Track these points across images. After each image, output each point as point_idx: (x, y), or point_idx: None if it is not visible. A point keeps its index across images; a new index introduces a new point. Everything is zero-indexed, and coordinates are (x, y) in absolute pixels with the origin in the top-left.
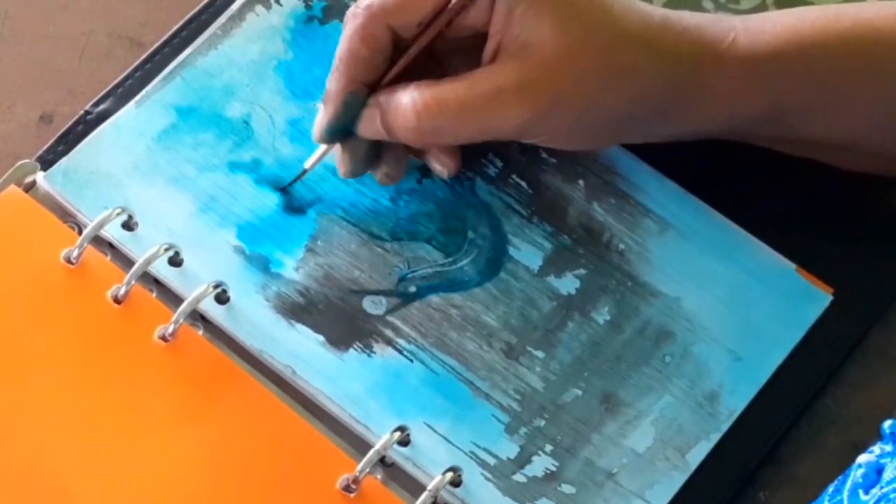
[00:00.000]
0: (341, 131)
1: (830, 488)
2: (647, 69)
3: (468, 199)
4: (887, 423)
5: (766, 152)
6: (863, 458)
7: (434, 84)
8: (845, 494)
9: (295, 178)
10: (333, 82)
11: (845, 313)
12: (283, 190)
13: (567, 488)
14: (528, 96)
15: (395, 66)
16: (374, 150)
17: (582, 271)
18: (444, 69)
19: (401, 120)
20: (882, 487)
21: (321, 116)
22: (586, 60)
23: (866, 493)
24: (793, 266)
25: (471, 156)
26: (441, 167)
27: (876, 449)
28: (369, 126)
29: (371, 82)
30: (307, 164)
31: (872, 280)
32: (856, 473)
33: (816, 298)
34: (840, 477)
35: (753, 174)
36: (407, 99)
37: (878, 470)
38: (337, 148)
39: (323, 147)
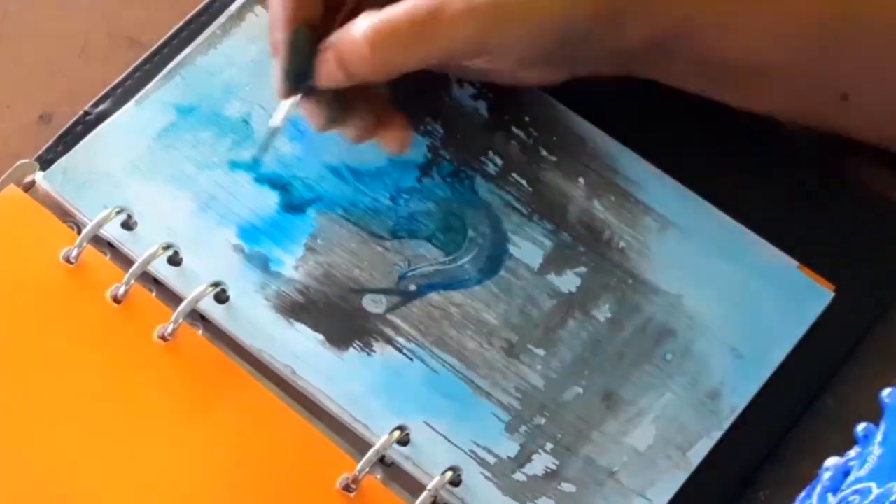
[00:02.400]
0: (299, 78)
1: (802, 493)
2: None
3: (468, 198)
4: (860, 427)
5: (768, 150)
6: (831, 462)
7: (380, 11)
8: (815, 499)
9: (265, 140)
10: (274, 31)
11: (846, 312)
12: (257, 159)
13: (567, 487)
14: (474, 5)
15: (342, 11)
16: (341, 102)
17: (582, 269)
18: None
19: (356, 53)
20: (844, 489)
21: (275, 69)
22: None
23: (834, 495)
24: (794, 263)
25: (471, 153)
26: (391, 142)
27: (851, 452)
28: (325, 70)
29: (312, 22)
30: (275, 122)
31: (873, 279)
32: (823, 477)
33: (818, 295)
34: (811, 482)
35: (754, 172)
36: (358, 30)
37: (846, 472)
38: (304, 102)
39: (287, 102)
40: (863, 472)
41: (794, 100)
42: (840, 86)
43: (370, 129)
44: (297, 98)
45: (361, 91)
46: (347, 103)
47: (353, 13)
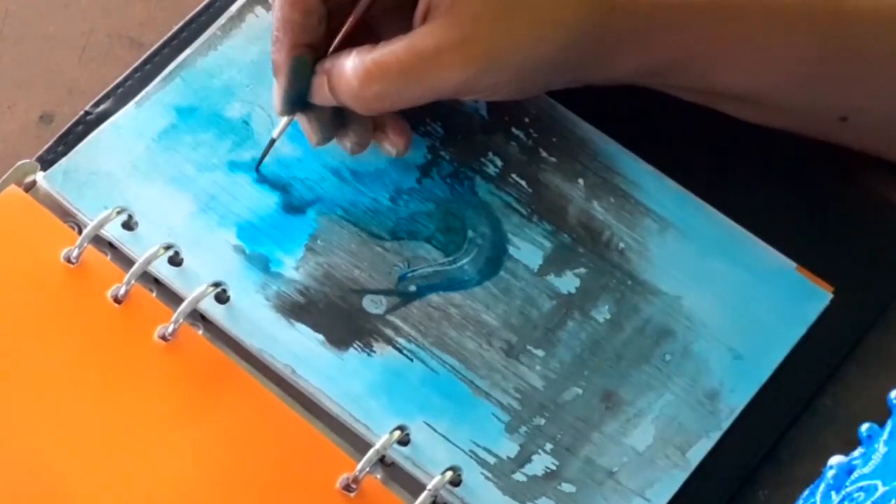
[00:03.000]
0: (298, 99)
1: (805, 491)
2: (571, 17)
3: (468, 198)
4: (864, 427)
5: (766, 151)
6: (835, 460)
7: (373, 49)
8: (818, 497)
9: (264, 151)
10: (277, 52)
11: (845, 313)
12: (257, 169)
13: (567, 487)
14: (464, 53)
15: (339, 34)
16: (339, 116)
17: (582, 270)
18: (378, 35)
19: (345, 86)
20: (847, 486)
21: (276, 88)
22: (516, 12)
23: (838, 493)
24: (793, 264)
25: (471, 154)
26: (391, 147)
27: (856, 452)
28: (320, 94)
29: (314, 45)
30: (274, 134)
31: (872, 280)
32: (827, 475)
33: (817, 296)
34: (816, 480)
35: (754, 173)
36: (349, 66)
37: (849, 471)
38: (302, 118)
39: (285, 118)
40: (867, 470)
41: (791, 121)
42: (838, 110)
43: (367, 139)
44: (293, 117)
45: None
46: (346, 116)
47: (354, 28)
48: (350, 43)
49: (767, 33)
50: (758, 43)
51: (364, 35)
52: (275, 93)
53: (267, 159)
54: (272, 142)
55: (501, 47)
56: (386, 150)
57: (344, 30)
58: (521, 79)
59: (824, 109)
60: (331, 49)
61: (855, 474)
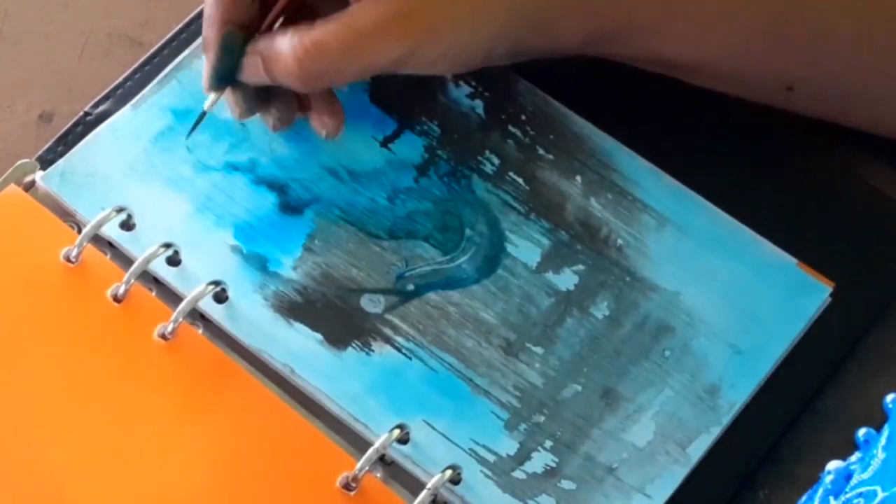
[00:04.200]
0: (227, 77)
1: (804, 496)
2: None
3: (465, 197)
4: (861, 432)
5: (766, 147)
6: (832, 465)
7: (311, 28)
8: (817, 501)
9: (195, 123)
10: (207, 28)
11: (846, 311)
12: (187, 138)
13: (567, 484)
14: (404, 27)
15: (270, 13)
16: (264, 91)
17: (580, 267)
18: (314, 11)
19: (282, 67)
20: (847, 492)
21: (205, 64)
22: None
23: (836, 498)
24: (792, 259)
25: (468, 153)
26: (321, 127)
27: (853, 457)
28: (252, 73)
29: (245, 24)
30: (206, 107)
31: (873, 278)
32: (825, 480)
33: (816, 291)
34: (813, 485)
35: (753, 170)
36: (286, 46)
37: (847, 476)
38: (227, 92)
39: (213, 95)
40: (866, 475)
41: (738, 89)
42: (784, 81)
43: (290, 116)
44: (222, 93)
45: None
46: (269, 91)
47: (288, 5)
48: (286, 21)
49: (711, 3)
50: (701, 13)
51: (299, 12)
52: (203, 69)
53: (264, 159)
54: (203, 115)
55: (441, 21)
56: (317, 130)
57: (276, 7)
58: (460, 53)
59: (770, 80)
60: (263, 27)
61: (854, 479)
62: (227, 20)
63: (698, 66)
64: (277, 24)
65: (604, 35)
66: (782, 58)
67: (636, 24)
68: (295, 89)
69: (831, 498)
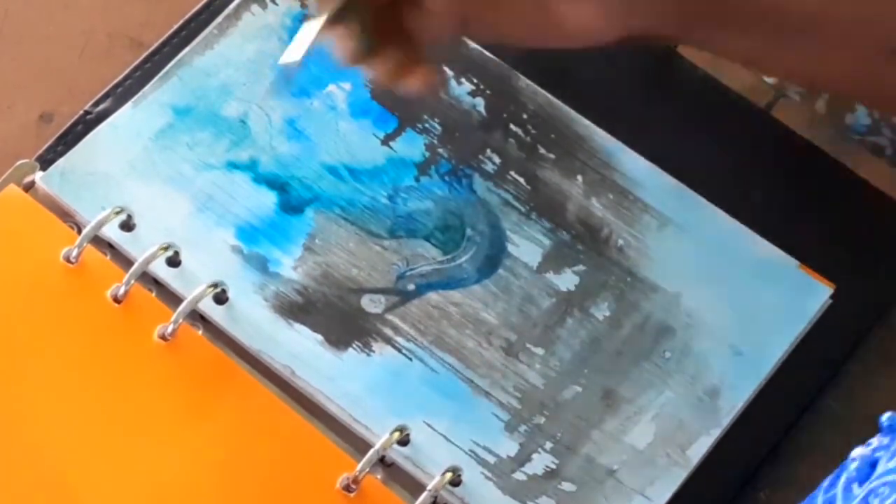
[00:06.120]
0: None
1: (826, 482)
2: None
3: (466, 196)
4: (885, 416)
5: (767, 148)
6: (857, 452)
7: None
8: (839, 489)
9: (281, 75)
10: None
11: (846, 312)
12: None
13: (567, 486)
14: None
15: None
16: (370, 37)
17: (581, 267)
18: None
19: None
20: (873, 481)
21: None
22: None
23: (860, 486)
24: (793, 260)
25: (469, 152)
26: (417, 85)
27: (874, 441)
28: None
29: None
30: (295, 56)
31: (873, 279)
32: (850, 467)
33: (816, 292)
34: (836, 470)
35: (754, 171)
36: None
37: (873, 463)
38: (339, 29)
39: (309, 27)
40: (893, 464)
41: (844, 57)
42: (891, 40)
43: (399, 68)
44: (320, 22)
45: (393, 28)
46: (378, 39)
47: None
48: None
49: None
50: None
51: None
52: None
53: (265, 158)
54: (292, 65)
55: None
56: (414, 88)
57: None
58: None
59: (878, 38)
60: None
61: (880, 468)
62: None
63: (814, 22)
64: None
65: None
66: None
67: None
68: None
69: (855, 485)
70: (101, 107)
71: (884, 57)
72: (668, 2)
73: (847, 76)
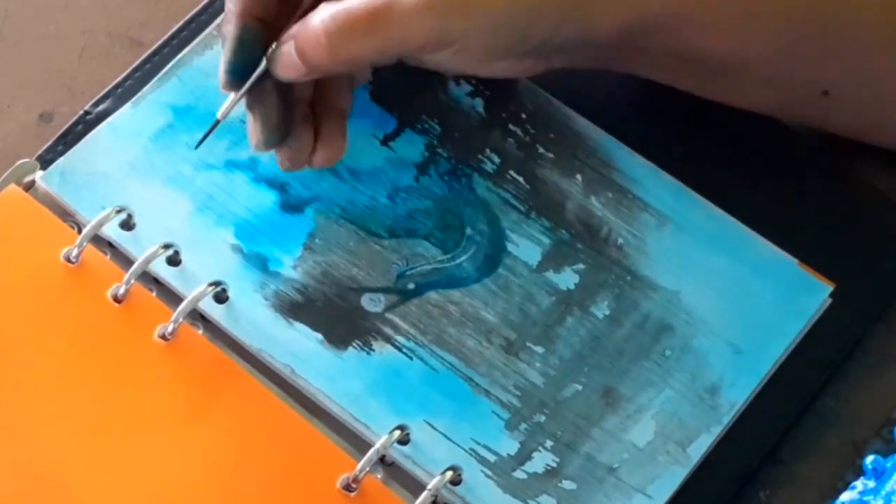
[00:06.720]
0: (241, 71)
1: None
2: None
3: (466, 196)
4: (869, 459)
5: (766, 147)
6: (846, 496)
7: (338, 2)
8: None
9: (207, 132)
10: (226, 24)
11: (846, 312)
12: (196, 148)
13: (568, 484)
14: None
15: (300, 7)
16: (285, 128)
17: (581, 266)
18: None
19: (313, 41)
20: None
21: (221, 60)
22: None
23: None
24: (792, 259)
25: (468, 151)
26: (318, 158)
27: (859, 485)
28: (287, 62)
29: (265, 19)
30: (219, 115)
31: (873, 279)
32: None
33: (816, 290)
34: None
35: (754, 171)
36: (315, 18)
37: None
38: (249, 118)
39: (232, 96)
40: None
41: (773, 95)
42: (821, 82)
43: (301, 158)
44: (241, 93)
45: (308, 116)
46: (290, 122)
47: (313, 8)
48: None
49: None
50: (739, 5)
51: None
52: (220, 65)
53: (265, 158)
54: (216, 122)
55: None
56: (312, 160)
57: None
58: (492, 30)
59: (807, 81)
60: (297, 15)
61: None
62: (245, 12)
63: (738, 65)
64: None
65: (642, 24)
66: (820, 54)
67: (673, 13)
68: (328, 68)
69: None
70: (101, 107)
71: (816, 96)
72: (576, 52)
73: (784, 110)
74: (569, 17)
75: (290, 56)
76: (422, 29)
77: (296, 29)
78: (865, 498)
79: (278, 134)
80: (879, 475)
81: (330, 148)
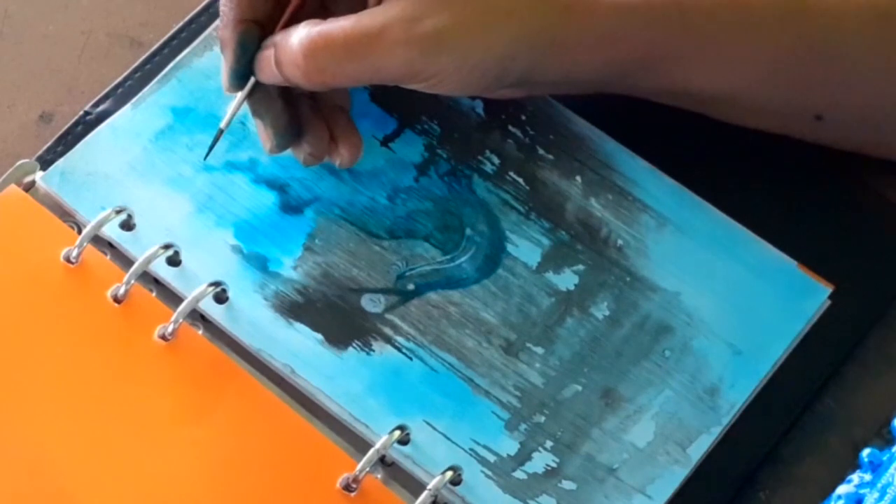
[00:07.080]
0: (245, 76)
1: None
2: (524, 11)
3: (466, 197)
4: (865, 452)
5: (766, 149)
6: (842, 490)
7: (321, 22)
8: None
9: (213, 142)
10: (224, 29)
11: (846, 312)
12: (205, 158)
13: (568, 484)
14: (412, 34)
15: (287, 10)
16: (295, 125)
17: (580, 267)
18: (333, 13)
19: (289, 56)
20: None
21: (223, 65)
22: (467, 1)
23: None
24: (792, 260)
25: (468, 152)
26: (336, 157)
27: (855, 478)
28: (267, 69)
29: (261, 21)
30: (222, 125)
31: (873, 279)
32: None
33: (816, 292)
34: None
35: (753, 172)
36: (295, 37)
37: (858, 501)
38: (259, 124)
39: (234, 104)
40: (880, 499)
41: (767, 120)
42: (813, 109)
43: (322, 151)
44: (242, 97)
45: (316, 109)
46: (301, 123)
47: (301, 8)
48: (303, 19)
49: (735, 32)
50: (725, 42)
51: (318, 13)
52: (222, 70)
53: (264, 158)
54: (220, 132)
55: (449, 31)
56: (335, 161)
57: (293, 4)
58: (468, 69)
59: (799, 109)
60: (280, 25)
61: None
62: (242, 18)
63: (727, 98)
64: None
65: (627, 66)
66: (808, 83)
67: (660, 55)
68: (299, 84)
69: None
70: (101, 107)
71: (810, 120)
72: (566, 89)
73: (783, 130)
74: (546, 61)
75: (268, 63)
76: (397, 63)
77: (277, 38)
78: (861, 491)
79: (289, 135)
80: (875, 468)
81: (349, 145)
